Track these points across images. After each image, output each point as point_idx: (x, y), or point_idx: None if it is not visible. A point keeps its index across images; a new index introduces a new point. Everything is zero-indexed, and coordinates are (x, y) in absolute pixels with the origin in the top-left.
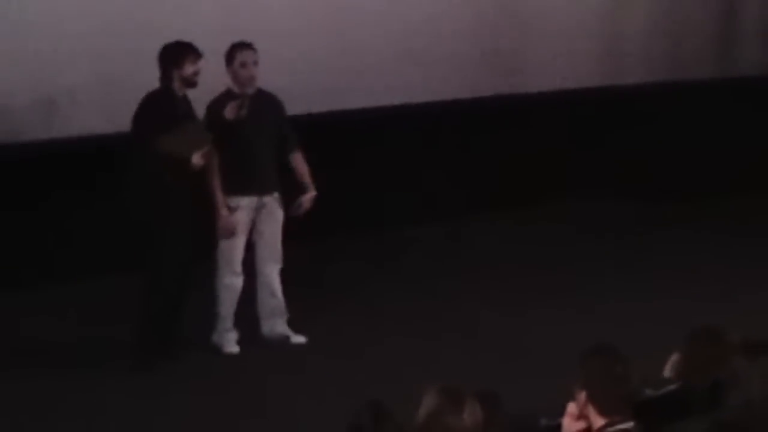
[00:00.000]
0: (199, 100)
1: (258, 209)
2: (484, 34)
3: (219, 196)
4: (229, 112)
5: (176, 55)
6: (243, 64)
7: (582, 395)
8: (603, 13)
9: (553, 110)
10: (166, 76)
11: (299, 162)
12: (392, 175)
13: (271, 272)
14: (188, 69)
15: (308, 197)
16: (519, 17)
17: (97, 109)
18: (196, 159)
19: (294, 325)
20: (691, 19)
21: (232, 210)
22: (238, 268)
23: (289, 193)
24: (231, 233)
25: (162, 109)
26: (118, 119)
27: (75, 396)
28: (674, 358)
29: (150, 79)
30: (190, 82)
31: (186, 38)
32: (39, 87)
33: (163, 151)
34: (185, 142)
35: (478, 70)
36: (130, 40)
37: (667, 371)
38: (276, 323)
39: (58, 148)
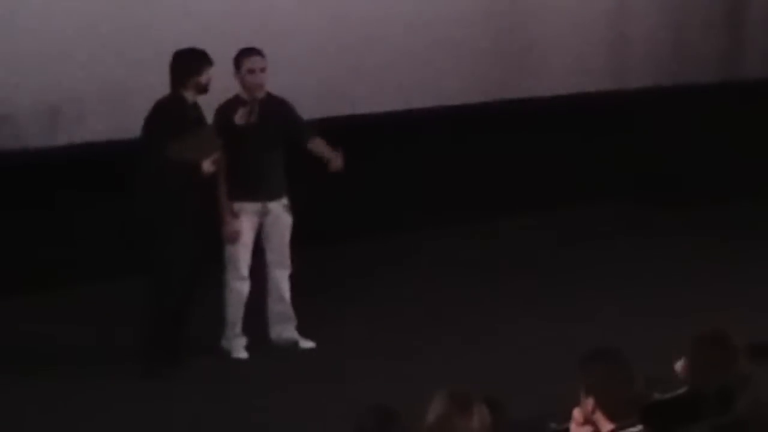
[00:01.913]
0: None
1: (263, 215)
2: (490, 39)
3: (224, 201)
4: (240, 117)
5: (195, 62)
6: (251, 71)
7: (589, 401)
8: (609, 17)
9: (559, 114)
10: (178, 83)
11: (320, 144)
12: (398, 179)
13: (280, 277)
14: (206, 76)
15: (338, 155)
16: (526, 22)
17: (102, 116)
18: (207, 165)
19: (303, 330)
20: (697, 23)
21: (236, 215)
22: (245, 273)
23: (298, 199)
24: (235, 239)
25: (173, 115)
26: (124, 126)
27: (81, 400)
28: (681, 362)
29: (155, 85)
30: (205, 89)
31: (191, 44)
32: (43, 94)
33: (174, 158)
34: (196, 149)
35: (484, 74)
36: (135, 47)
37: (679, 374)
38: (285, 328)
39: (63, 155)
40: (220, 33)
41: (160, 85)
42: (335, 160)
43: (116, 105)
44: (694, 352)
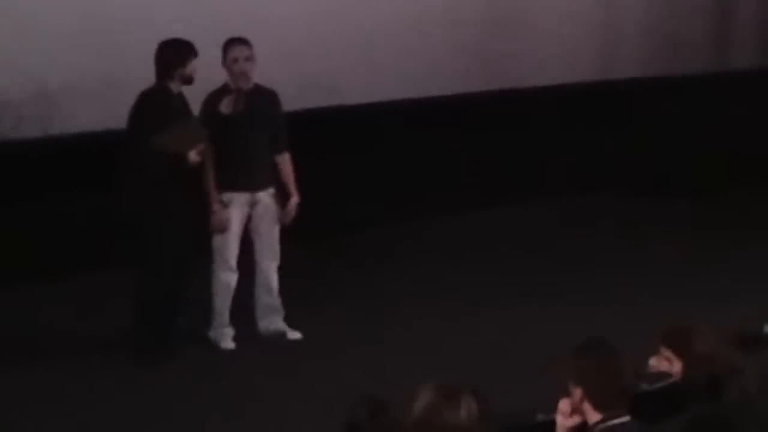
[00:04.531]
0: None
1: (252, 206)
2: (479, 29)
3: (212, 191)
4: (226, 107)
5: (180, 53)
6: (235, 60)
7: (577, 391)
8: (598, 7)
9: (549, 105)
10: (164, 74)
11: (286, 164)
12: (387, 171)
13: (269, 268)
14: (191, 67)
15: (292, 204)
16: (514, 12)
17: (95, 105)
18: (193, 156)
19: (290, 321)
20: (687, 13)
21: (224, 205)
22: (233, 264)
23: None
24: (223, 229)
25: (158, 106)
26: (116, 115)
27: (71, 391)
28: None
29: (148, 75)
30: (190, 80)
31: (183, 33)
32: (36, 83)
33: (160, 148)
34: (182, 139)
35: (472, 65)
36: (127, 36)
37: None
38: (272, 319)
39: (56, 145)
40: (210, 24)
41: (152, 76)
42: (286, 215)
43: (110, 94)
44: (682, 344)
